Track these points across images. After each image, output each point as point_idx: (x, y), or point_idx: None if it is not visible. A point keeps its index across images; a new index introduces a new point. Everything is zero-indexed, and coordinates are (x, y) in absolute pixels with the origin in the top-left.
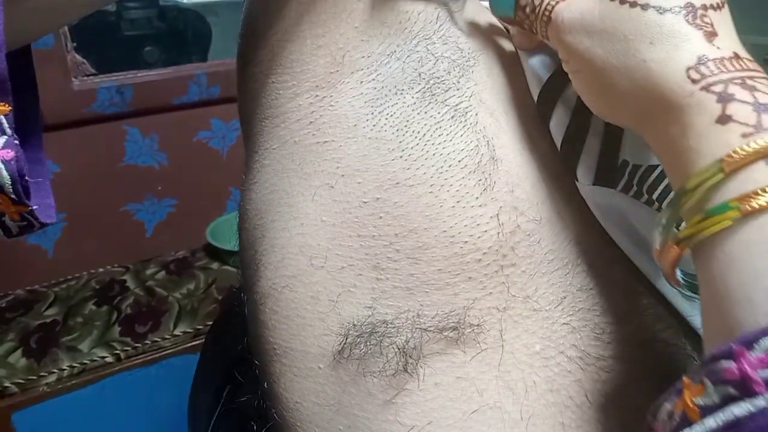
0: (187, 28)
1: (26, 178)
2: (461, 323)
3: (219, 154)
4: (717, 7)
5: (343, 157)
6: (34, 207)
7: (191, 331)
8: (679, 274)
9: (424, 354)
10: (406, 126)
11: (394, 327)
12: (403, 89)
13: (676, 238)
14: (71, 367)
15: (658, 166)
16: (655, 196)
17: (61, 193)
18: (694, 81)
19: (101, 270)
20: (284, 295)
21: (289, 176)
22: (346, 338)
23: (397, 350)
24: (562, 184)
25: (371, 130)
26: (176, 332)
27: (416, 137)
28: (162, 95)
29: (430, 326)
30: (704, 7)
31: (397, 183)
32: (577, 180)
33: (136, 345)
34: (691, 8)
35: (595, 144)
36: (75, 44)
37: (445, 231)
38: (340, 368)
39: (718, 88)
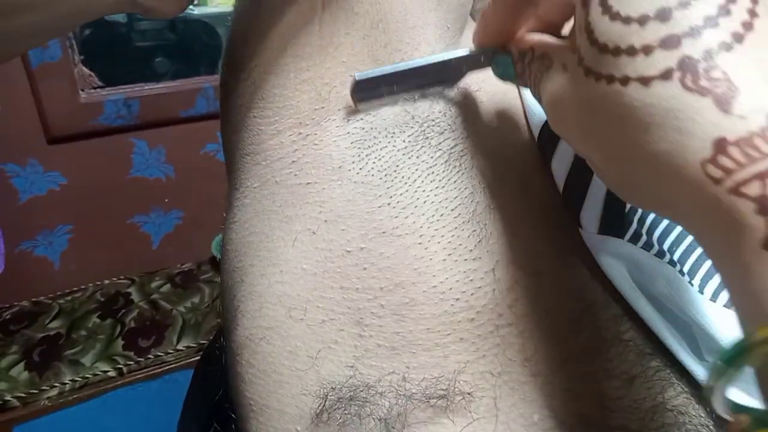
0: (198, 39)
1: None
2: (451, 390)
3: (226, 169)
4: (732, 43)
5: (327, 200)
6: None
7: (194, 345)
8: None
9: (409, 423)
10: (395, 171)
11: (376, 392)
12: (394, 132)
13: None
14: (73, 381)
15: None
16: (666, 247)
17: (68, 205)
18: (716, 181)
19: (107, 282)
20: (261, 347)
21: (270, 218)
22: (325, 400)
23: (378, 420)
24: (564, 232)
25: (357, 173)
26: (179, 347)
27: (406, 183)
28: (169, 108)
29: (416, 392)
30: (708, 55)
31: (384, 232)
32: (581, 227)
33: (139, 359)
34: (687, 63)
35: (601, 187)
36: (82, 57)
37: (434, 286)
38: None
39: (753, 190)
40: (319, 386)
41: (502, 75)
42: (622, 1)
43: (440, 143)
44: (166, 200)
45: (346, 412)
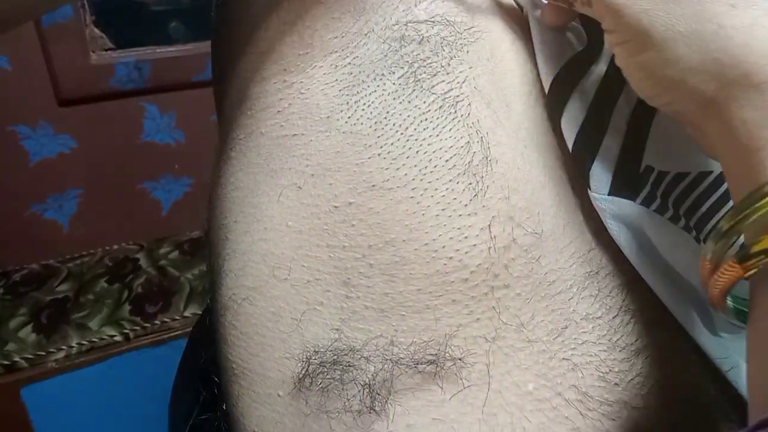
0: (210, 3)
1: None
2: (441, 355)
3: None
4: None
5: (314, 153)
6: None
7: (201, 313)
8: (729, 299)
9: (396, 390)
10: (385, 118)
11: (362, 356)
12: (383, 74)
13: (744, 254)
14: (80, 344)
15: (688, 174)
16: (682, 212)
17: (78, 168)
18: None
19: (116, 247)
20: (243, 308)
21: (255, 172)
22: (308, 365)
23: (361, 386)
24: (570, 191)
25: (346, 122)
26: (186, 314)
27: (397, 131)
28: (181, 72)
29: (404, 357)
30: None
31: (374, 185)
32: (590, 188)
33: (146, 325)
34: None
35: (614, 145)
36: (94, 17)
37: (426, 244)
38: (301, 399)
39: None
40: (302, 350)
41: None
42: None
43: (433, 86)
44: (177, 167)
45: (329, 376)
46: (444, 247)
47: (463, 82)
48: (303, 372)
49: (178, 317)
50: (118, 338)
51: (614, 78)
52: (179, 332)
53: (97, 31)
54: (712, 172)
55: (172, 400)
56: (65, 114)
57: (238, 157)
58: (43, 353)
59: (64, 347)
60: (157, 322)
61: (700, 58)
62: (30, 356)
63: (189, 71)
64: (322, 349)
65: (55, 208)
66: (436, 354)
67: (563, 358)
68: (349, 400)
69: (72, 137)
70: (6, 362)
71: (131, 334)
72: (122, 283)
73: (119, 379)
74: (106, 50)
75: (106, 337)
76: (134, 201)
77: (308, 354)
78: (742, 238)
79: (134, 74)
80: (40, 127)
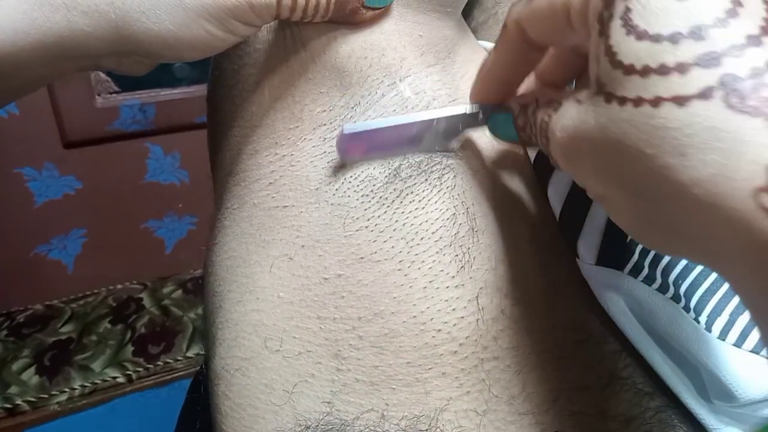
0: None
1: None
2: (432, 430)
3: None
4: None
5: (304, 225)
6: None
7: (204, 353)
8: None
9: None
10: (371, 191)
11: (353, 431)
12: None
13: None
14: (82, 386)
15: None
16: (671, 281)
17: (82, 209)
18: None
19: (119, 287)
20: (236, 379)
21: (248, 242)
22: None
23: None
24: (557, 259)
25: (334, 195)
26: (189, 354)
27: (383, 205)
28: (184, 113)
29: None
30: (755, 73)
31: (362, 258)
32: (578, 257)
33: (148, 366)
34: (730, 82)
35: (600, 215)
36: None
37: (415, 316)
38: None
39: None
40: (294, 423)
41: (501, 133)
42: (648, 19)
43: (420, 161)
44: (180, 206)
45: None
46: (432, 319)
47: (448, 156)
48: None
49: (180, 357)
50: (121, 380)
51: None
52: (182, 373)
53: (102, 74)
54: None
55: None
56: (70, 156)
57: (231, 227)
58: (46, 396)
59: (66, 389)
60: (159, 363)
61: (684, 218)
62: (32, 399)
63: (193, 113)
64: (313, 424)
65: (60, 248)
66: (427, 429)
67: (555, 431)
68: None
69: (77, 178)
70: (8, 405)
71: (134, 376)
72: (125, 323)
73: (122, 421)
74: (111, 93)
75: (108, 378)
76: (138, 240)
77: (300, 428)
78: None
79: (139, 116)
80: (45, 169)
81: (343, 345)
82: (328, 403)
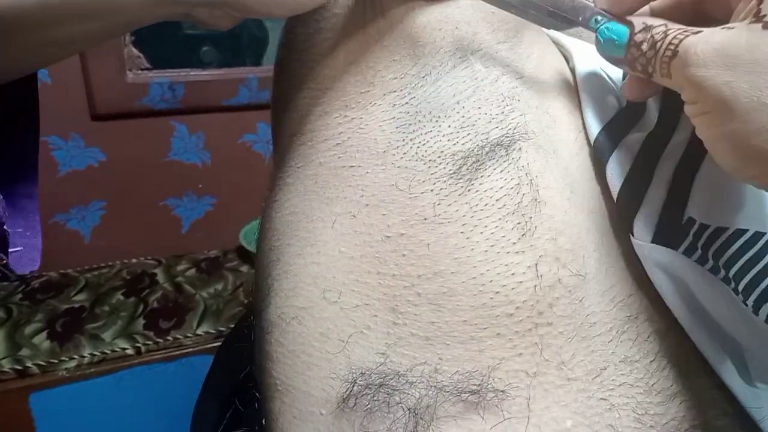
0: (246, 30)
1: (4, 227)
2: (484, 386)
3: (261, 158)
4: None
5: (369, 185)
6: (13, 252)
7: (213, 332)
8: None
9: (438, 416)
10: (439, 157)
11: (407, 381)
12: (438, 116)
13: None
14: (92, 354)
15: (726, 229)
16: (721, 263)
17: (104, 182)
18: None
19: (134, 261)
20: (292, 327)
21: (311, 199)
22: (353, 385)
23: (406, 410)
24: (613, 237)
25: (401, 158)
26: (199, 331)
27: (449, 170)
28: (212, 95)
29: (448, 385)
30: None
31: (425, 219)
32: (633, 235)
33: (158, 340)
34: None
35: (659, 196)
36: (133, 38)
37: (474, 278)
38: (344, 418)
39: None
40: (348, 371)
41: (606, 47)
42: None
43: (488, 132)
44: (200, 186)
45: (375, 398)
46: (491, 281)
47: (515, 128)
48: (347, 392)
49: (190, 334)
50: (129, 351)
51: (661, 132)
52: (190, 350)
53: (135, 50)
54: (748, 230)
55: (196, 413)
56: (97, 128)
57: (294, 184)
58: (56, 361)
59: (76, 356)
60: (169, 338)
61: None
62: (42, 363)
63: (220, 95)
64: (367, 372)
65: (79, 218)
66: (479, 384)
67: (601, 398)
68: (393, 422)
69: (101, 150)
70: (18, 367)
71: (143, 348)
72: (138, 297)
73: (127, 393)
74: (143, 69)
75: (118, 349)
76: (156, 217)
77: (354, 375)
78: None
79: (168, 94)
80: (71, 139)
81: (400, 300)
82: (383, 354)
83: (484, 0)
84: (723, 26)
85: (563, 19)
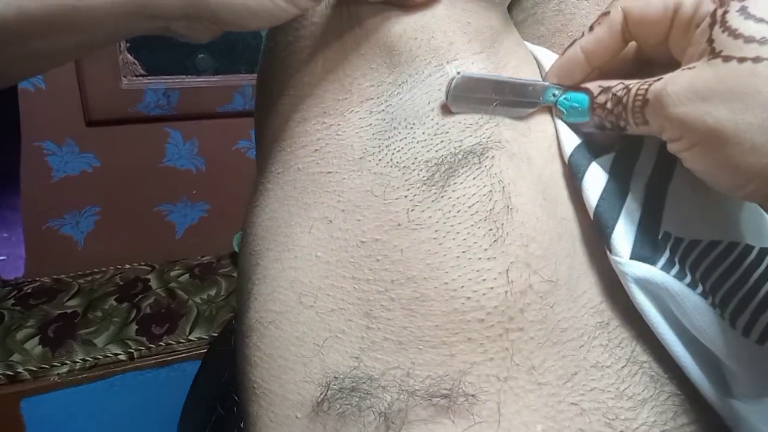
0: (240, 38)
1: None
2: (455, 390)
3: (255, 165)
4: None
5: (346, 190)
6: None
7: (206, 337)
8: None
9: (409, 420)
10: (413, 164)
11: (379, 385)
12: (413, 124)
13: None
14: (84, 360)
15: (700, 242)
16: (698, 276)
17: (98, 187)
18: None
19: (127, 267)
20: (269, 331)
21: (290, 204)
22: (327, 389)
23: (378, 414)
24: (585, 244)
25: (377, 164)
26: (191, 337)
27: (423, 177)
28: (206, 102)
29: (420, 389)
30: None
31: (399, 225)
32: (610, 251)
33: (150, 345)
34: None
35: (636, 212)
36: (128, 45)
37: (446, 283)
38: (318, 422)
39: None
40: (322, 375)
41: (569, 114)
42: (761, 9)
43: (462, 139)
44: (194, 192)
45: (347, 402)
46: (463, 287)
47: (489, 136)
48: (322, 396)
49: (183, 340)
50: (122, 357)
51: (629, 151)
52: (183, 355)
53: (130, 57)
54: (722, 241)
55: (182, 418)
56: (91, 134)
57: (274, 189)
58: (47, 366)
59: (68, 362)
60: (162, 343)
61: None
62: (34, 368)
63: (215, 102)
64: (341, 376)
65: (72, 224)
66: (450, 389)
67: (572, 403)
68: (365, 426)
69: (96, 156)
70: (9, 372)
71: (136, 354)
72: (131, 302)
73: (119, 398)
74: (137, 76)
75: (110, 355)
76: (150, 223)
77: (328, 379)
78: None
79: (162, 101)
80: (65, 145)
81: (374, 305)
82: (356, 358)
83: (455, 110)
84: (682, 68)
85: (528, 104)
